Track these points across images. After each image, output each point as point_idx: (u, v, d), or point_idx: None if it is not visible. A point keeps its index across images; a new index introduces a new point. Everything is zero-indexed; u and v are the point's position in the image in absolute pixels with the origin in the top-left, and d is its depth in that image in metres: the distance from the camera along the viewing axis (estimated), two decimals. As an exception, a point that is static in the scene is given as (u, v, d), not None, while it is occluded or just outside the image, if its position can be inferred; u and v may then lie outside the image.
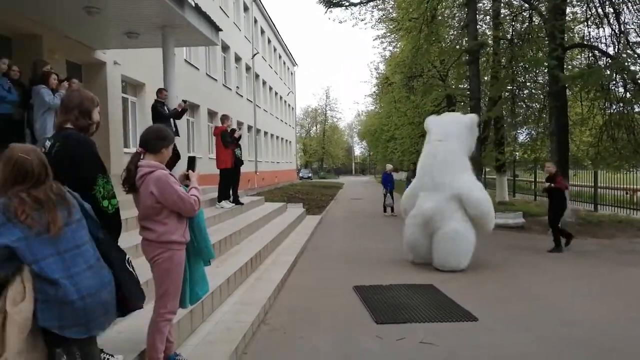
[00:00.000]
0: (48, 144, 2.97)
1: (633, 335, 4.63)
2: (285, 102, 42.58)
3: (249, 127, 28.26)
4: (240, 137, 10.23)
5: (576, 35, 16.02)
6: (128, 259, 2.81)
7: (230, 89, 24.26)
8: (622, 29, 13.82)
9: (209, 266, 5.79)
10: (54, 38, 10.30)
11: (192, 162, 3.57)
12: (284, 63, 42.68)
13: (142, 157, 3.24)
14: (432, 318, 5.11)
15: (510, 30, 16.62)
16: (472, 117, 8.36)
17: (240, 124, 25.97)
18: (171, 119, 9.33)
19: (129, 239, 4.89)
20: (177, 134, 9.58)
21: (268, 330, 4.79)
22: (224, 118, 10.26)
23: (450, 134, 7.91)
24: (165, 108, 9.40)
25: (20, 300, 2.25)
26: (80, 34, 10.72)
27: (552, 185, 9.02)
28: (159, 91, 9.63)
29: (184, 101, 9.81)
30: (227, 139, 9.71)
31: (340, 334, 4.67)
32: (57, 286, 2.27)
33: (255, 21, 30.49)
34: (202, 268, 3.59)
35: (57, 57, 10.48)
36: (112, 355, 3.13)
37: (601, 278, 7.13)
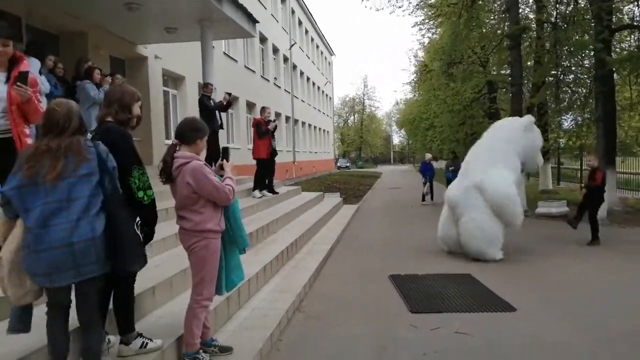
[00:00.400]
0: (89, 136, 3.12)
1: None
2: (322, 92, 42.59)
3: (287, 118, 28.44)
4: (275, 128, 10.32)
5: (625, 16, 15.28)
6: (138, 222, 2.94)
7: (268, 80, 24.48)
8: (676, 8, 13.12)
9: (246, 254, 5.93)
10: (98, 34, 10.67)
11: (226, 153, 3.65)
12: (322, 53, 42.63)
13: (177, 148, 3.35)
14: (469, 308, 5.07)
15: (554, 13, 16.02)
16: (528, 118, 8.39)
17: (278, 114, 26.17)
18: (216, 112, 9.63)
19: (168, 228, 5.06)
20: (221, 126, 9.86)
21: (303, 318, 4.87)
22: (262, 110, 10.42)
23: (499, 135, 8.02)
24: (211, 101, 9.69)
25: (10, 243, 2.53)
26: (122, 30, 11.07)
27: (587, 185, 9.02)
28: (205, 85, 10.00)
29: (229, 94, 10.03)
30: (261, 130, 9.85)
31: (375, 323, 4.69)
32: (31, 235, 2.48)
33: (293, 12, 30.56)
34: (237, 256, 3.68)
35: (102, 52, 10.88)
36: (151, 340, 3.26)
37: (648, 269, 6.86)
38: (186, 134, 3.37)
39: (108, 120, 3.13)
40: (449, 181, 16.57)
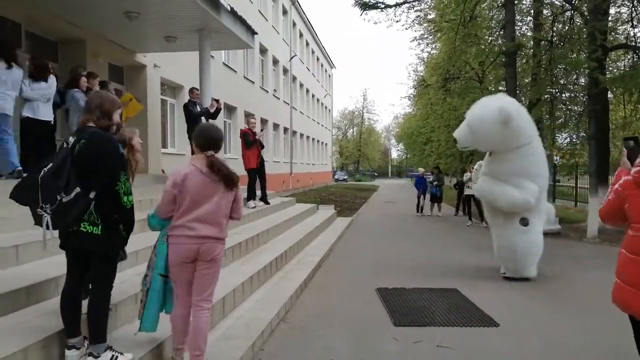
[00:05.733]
0: (71, 139, 3.11)
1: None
2: (322, 104, 42.77)
3: (285, 129, 28.55)
4: (260, 134, 10.21)
5: (620, 36, 15.47)
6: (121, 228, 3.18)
7: (267, 91, 24.60)
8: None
9: (233, 263, 5.96)
10: (97, 42, 10.75)
11: None
12: (322, 65, 42.88)
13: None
14: (452, 322, 5.09)
15: (551, 32, 16.21)
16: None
17: (276, 125, 26.29)
18: (202, 118, 9.46)
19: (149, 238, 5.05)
20: None
21: (287, 328, 4.88)
22: (247, 120, 10.39)
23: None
24: (197, 107, 9.56)
25: None
26: (121, 38, 11.15)
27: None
28: (191, 90, 9.83)
29: (216, 100, 9.84)
30: (249, 140, 9.81)
31: (358, 335, 4.71)
32: None
33: (294, 24, 30.80)
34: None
35: (100, 60, 10.96)
36: (122, 353, 3.20)
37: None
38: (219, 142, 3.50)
39: (90, 125, 3.17)
40: (433, 196, 17.01)
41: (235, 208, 3.49)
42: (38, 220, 2.90)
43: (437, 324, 5.04)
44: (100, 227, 3.01)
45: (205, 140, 3.41)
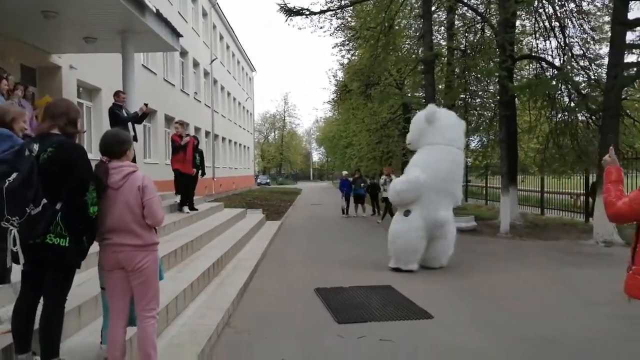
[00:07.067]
0: (35, 147, 2.95)
1: (570, 329, 5.02)
2: (243, 107, 42.44)
3: (207, 133, 28.03)
4: (186, 139, 10.25)
5: (525, 47, 16.85)
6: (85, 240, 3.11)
7: (188, 94, 24.05)
8: (567, 42, 14.69)
9: (171, 271, 5.87)
10: (8, 42, 10.04)
11: None
12: (243, 69, 42.57)
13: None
14: (391, 317, 5.36)
15: (464, 42, 17.32)
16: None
17: (197, 129, 25.76)
18: (129, 123, 9.09)
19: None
20: (135, 139, 9.31)
21: (233, 333, 4.90)
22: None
23: (461, 141, 8.55)
24: (124, 111, 9.14)
25: None
26: (36, 38, 10.49)
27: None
28: (116, 94, 9.24)
29: (146, 104, 9.54)
30: (174, 145, 10.05)
31: (303, 334, 4.84)
32: None
33: (214, 27, 30.36)
34: None
35: (11, 61, 10.24)
36: None
37: (547, 278, 7.58)
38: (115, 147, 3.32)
39: (55, 132, 3.05)
40: (359, 197, 17.64)
41: (146, 214, 3.23)
42: (2, 234, 2.74)
43: (377, 319, 5.28)
44: (67, 239, 2.91)
45: (100, 147, 3.33)
